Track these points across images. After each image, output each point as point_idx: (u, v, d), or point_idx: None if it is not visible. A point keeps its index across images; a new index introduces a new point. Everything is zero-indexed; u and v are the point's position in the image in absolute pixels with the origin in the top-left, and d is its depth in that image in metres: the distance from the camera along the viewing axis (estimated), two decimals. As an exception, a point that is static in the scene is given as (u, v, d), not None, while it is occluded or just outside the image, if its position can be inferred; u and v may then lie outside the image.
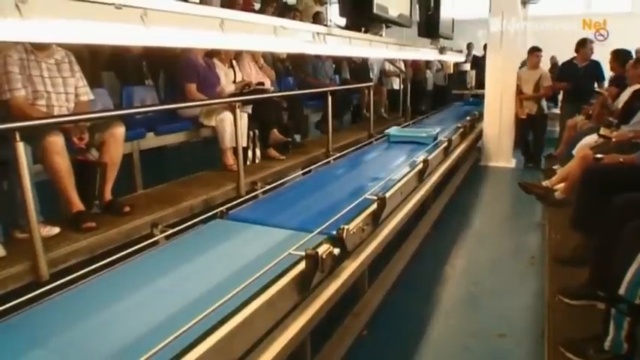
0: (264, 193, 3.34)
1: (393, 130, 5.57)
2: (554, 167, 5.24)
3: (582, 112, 5.82)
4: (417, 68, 9.97)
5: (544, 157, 6.67)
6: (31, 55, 2.98)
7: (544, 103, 7.12)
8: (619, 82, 5.66)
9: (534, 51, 7.04)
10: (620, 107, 4.65)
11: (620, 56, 6.11)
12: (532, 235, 4.35)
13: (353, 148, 5.09)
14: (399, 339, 2.84)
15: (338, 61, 8.00)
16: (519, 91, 7.00)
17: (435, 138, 5.16)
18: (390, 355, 2.70)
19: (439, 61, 11.31)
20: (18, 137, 2.33)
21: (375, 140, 5.65)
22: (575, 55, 7.02)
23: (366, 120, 7.02)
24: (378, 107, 7.87)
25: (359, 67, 8.51)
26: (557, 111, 7.89)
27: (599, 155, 3.41)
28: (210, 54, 4.85)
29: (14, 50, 2.90)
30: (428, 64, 10.74)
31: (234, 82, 5.03)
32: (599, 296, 2.41)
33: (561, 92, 7.57)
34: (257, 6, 7.31)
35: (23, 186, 2.38)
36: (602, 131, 3.90)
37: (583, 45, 6.86)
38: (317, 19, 7.76)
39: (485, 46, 11.35)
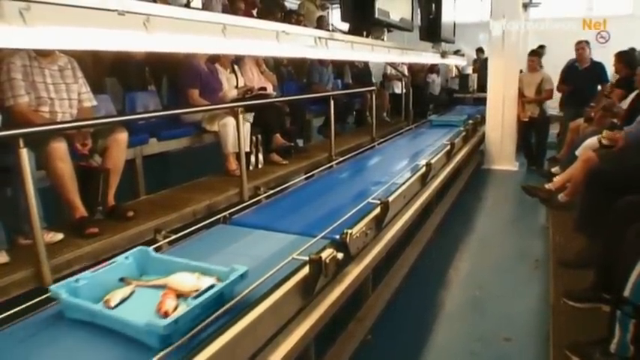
0: (267, 198, 3.34)
1: (433, 117, 7.76)
2: (552, 170, 5.24)
3: (584, 115, 5.81)
4: (413, 72, 9.95)
5: (547, 159, 6.67)
6: (34, 61, 3.00)
7: (546, 105, 7.11)
8: (624, 84, 5.64)
9: (529, 55, 7.06)
10: (625, 109, 4.64)
11: (624, 57, 6.11)
12: (536, 238, 4.34)
13: (398, 132, 6.50)
14: (403, 343, 2.83)
15: (340, 66, 8.01)
16: (521, 94, 7.00)
17: (465, 122, 6.73)
18: None
19: (456, 67, 11.39)
20: (22, 143, 2.34)
21: (420, 124, 7.36)
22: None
23: (369, 124, 7.03)
24: (380, 111, 7.88)
25: (361, 72, 8.53)
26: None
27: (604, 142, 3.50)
28: (212, 59, 4.86)
29: (17, 57, 2.91)
30: (433, 68, 10.75)
31: (237, 87, 5.05)
32: (604, 299, 2.40)
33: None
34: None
35: (27, 192, 2.39)
36: (605, 140, 3.88)
37: (575, 47, 6.91)
38: (320, 23, 7.78)
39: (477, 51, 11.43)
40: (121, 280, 1.88)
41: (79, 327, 1.64)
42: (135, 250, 2.05)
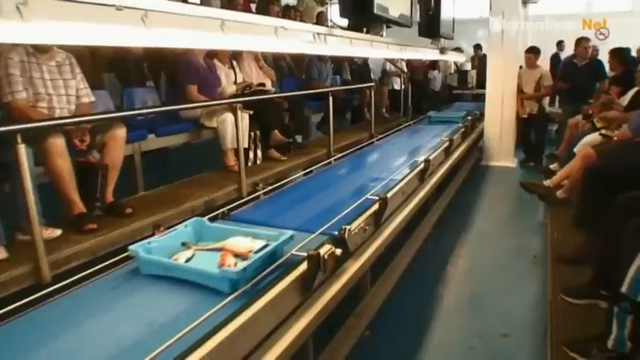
0: (265, 194, 3.34)
1: (432, 113, 7.51)
2: (551, 167, 5.24)
3: (582, 112, 5.82)
4: (412, 69, 9.95)
5: (545, 156, 6.68)
6: (32, 57, 2.99)
7: (545, 102, 7.11)
8: (620, 81, 5.65)
9: (526, 52, 7.09)
10: (624, 106, 4.65)
11: (618, 55, 6.12)
12: (534, 235, 4.34)
13: (397, 128, 6.54)
14: (401, 339, 2.83)
15: (339, 62, 8.00)
16: (520, 91, 7.01)
17: (464, 118, 6.67)
18: (393, 355, 2.70)
19: (455, 63, 11.39)
20: (19, 139, 2.34)
21: (418, 121, 7.30)
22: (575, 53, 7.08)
23: (367, 120, 7.03)
24: (378, 107, 7.87)
25: (360, 68, 8.51)
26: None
27: (603, 131, 3.50)
28: (210, 55, 4.85)
29: (15, 52, 2.91)
30: (435, 64, 10.77)
31: (235, 83, 5.04)
32: (601, 295, 2.41)
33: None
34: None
35: (25, 188, 2.38)
36: (599, 123, 3.90)
37: (578, 43, 6.93)
38: (320, 19, 7.76)
39: (474, 47, 11.44)
40: (183, 244, 2.20)
41: (154, 280, 1.97)
42: (192, 220, 2.39)
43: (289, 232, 2.16)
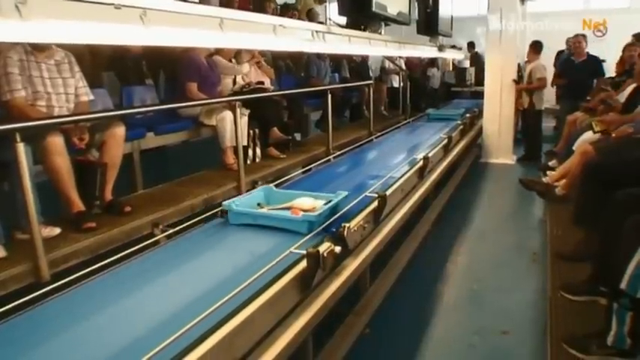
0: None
1: (431, 111, 7.54)
2: (549, 163, 5.25)
3: (581, 109, 5.81)
4: (411, 66, 9.95)
5: (544, 153, 6.69)
6: (30, 56, 2.98)
7: (540, 98, 7.10)
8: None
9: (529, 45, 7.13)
10: (622, 103, 4.65)
11: None
12: (533, 232, 4.35)
13: (396, 126, 6.50)
14: (401, 337, 2.84)
15: (337, 60, 7.99)
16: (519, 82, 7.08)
17: (463, 115, 6.71)
18: (392, 353, 2.70)
19: (453, 61, 11.41)
20: (18, 138, 2.33)
21: (417, 118, 7.38)
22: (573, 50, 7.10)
23: (366, 118, 7.03)
24: (377, 105, 7.87)
25: (359, 66, 8.51)
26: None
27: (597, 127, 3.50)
28: (211, 53, 4.85)
29: (14, 51, 2.90)
30: (434, 61, 10.78)
31: (234, 81, 5.04)
32: (601, 291, 2.41)
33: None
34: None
35: (24, 187, 2.38)
36: (597, 127, 3.90)
37: (572, 40, 6.97)
38: (310, 15, 7.69)
39: (468, 45, 11.42)
40: (258, 204, 2.70)
41: (242, 229, 2.51)
42: (262, 186, 2.97)
43: (345, 193, 2.69)
